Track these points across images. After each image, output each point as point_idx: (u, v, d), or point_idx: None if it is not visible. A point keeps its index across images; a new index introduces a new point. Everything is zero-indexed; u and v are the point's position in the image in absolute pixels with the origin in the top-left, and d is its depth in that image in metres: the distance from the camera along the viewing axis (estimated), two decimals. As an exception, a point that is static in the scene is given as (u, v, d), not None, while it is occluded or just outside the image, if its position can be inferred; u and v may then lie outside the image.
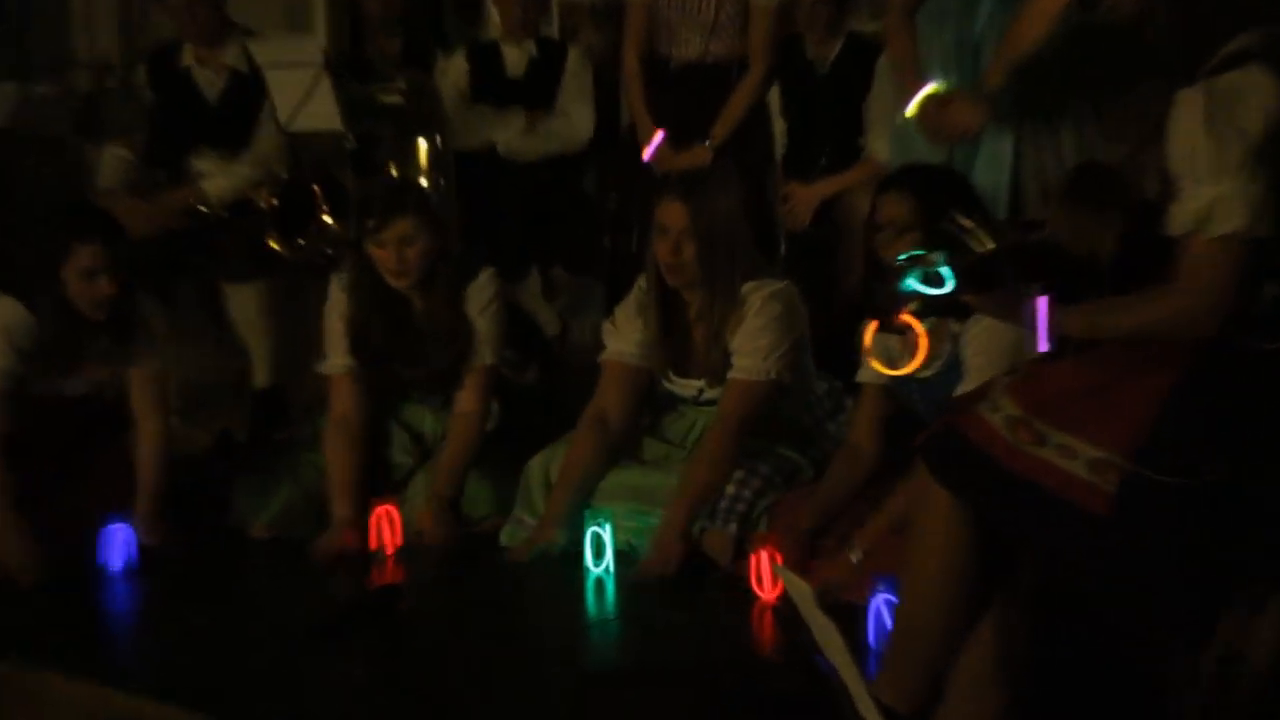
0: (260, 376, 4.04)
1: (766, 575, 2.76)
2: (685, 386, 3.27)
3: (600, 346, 3.36)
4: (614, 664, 2.56)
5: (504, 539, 3.20)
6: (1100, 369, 1.92)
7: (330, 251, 3.76)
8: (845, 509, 2.87)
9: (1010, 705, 2.03)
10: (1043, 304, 1.93)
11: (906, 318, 1.94)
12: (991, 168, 2.99)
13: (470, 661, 2.54)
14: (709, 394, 3.23)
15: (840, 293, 3.59)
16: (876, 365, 2.10)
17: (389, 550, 3.14)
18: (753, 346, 3.10)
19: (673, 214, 3.10)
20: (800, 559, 2.76)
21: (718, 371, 3.16)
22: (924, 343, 2.01)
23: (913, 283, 1.93)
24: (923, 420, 2.79)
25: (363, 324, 3.36)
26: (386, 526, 3.15)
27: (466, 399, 3.37)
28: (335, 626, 2.65)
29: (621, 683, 2.42)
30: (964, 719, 2.03)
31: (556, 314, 4.34)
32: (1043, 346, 1.94)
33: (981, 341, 2.66)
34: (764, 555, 2.76)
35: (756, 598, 2.76)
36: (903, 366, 2.15)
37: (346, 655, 2.57)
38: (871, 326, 2.02)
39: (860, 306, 2.95)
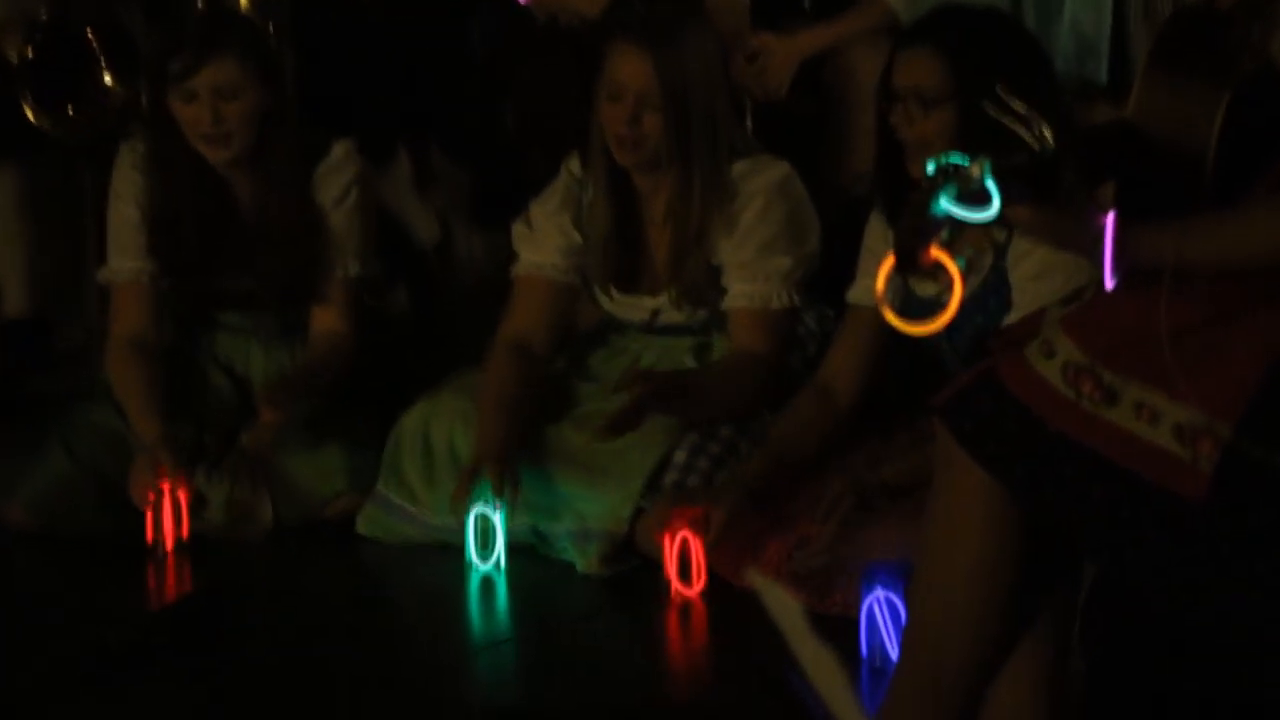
0: (11, 301, 4.00)
1: (697, 561, 2.80)
2: (633, 307, 3.25)
3: (497, 260, 3.33)
4: (509, 704, 2.55)
5: (362, 526, 3.19)
6: (1193, 299, 1.91)
7: (112, 124, 3.69)
8: (800, 476, 2.90)
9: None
10: (1109, 223, 1.91)
11: (936, 253, 1.92)
12: (1084, 13, 2.98)
13: (316, 703, 2.52)
14: (669, 317, 3.22)
15: (835, 188, 3.59)
16: (891, 318, 2.10)
17: (168, 544, 3.09)
18: (762, 266, 3.10)
19: (630, 68, 3.06)
20: (738, 543, 2.78)
21: (692, 286, 3.15)
22: (957, 288, 2.01)
23: (946, 204, 1.91)
24: (947, 364, 2.80)
25: (164, 214, 3.30)
26: (168, 509, 3.09)
27: (328, 316, 3.33)
28: (122, 656, 2.61)
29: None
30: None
31: (434, 216, 4.33)
32: (1109, 282, 1.93)
33: (1042, 254, 2.66)
34: (683, 536, 2.79)
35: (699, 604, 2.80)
36: (925, 317, 2.13)
37: (138, 697, 2.54)
38: (887, 264, 2.01)
39: (864, 207, 2.98)
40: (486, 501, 2.99)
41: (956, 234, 1.96)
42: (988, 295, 2.77)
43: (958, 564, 1.99)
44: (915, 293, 2.82)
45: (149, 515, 3.10)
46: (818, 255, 3.18)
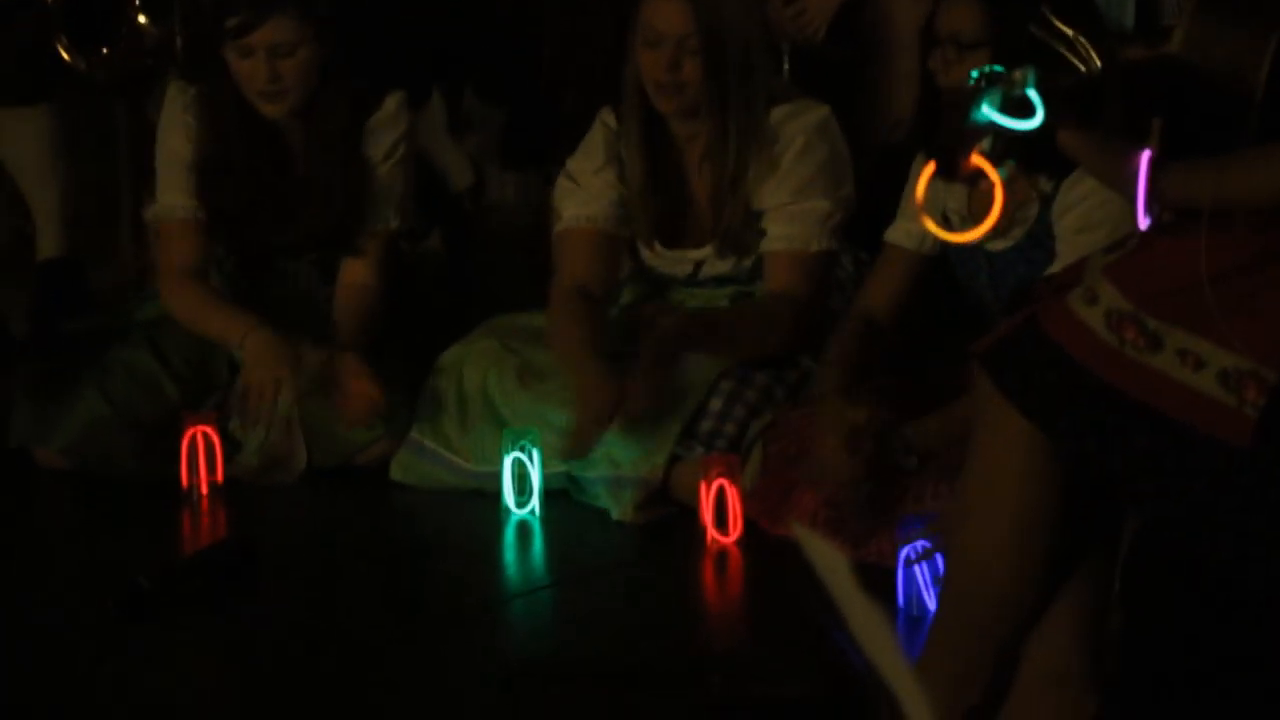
0: (47, 242, 3.97)
1: (733, 509, 2.78)
2: (676, 261, 3.23)
3: (531, 203, 3.30)
4: (543, 651, 2.54)
5: (396, 472, 3.19)
6: (1235, 244, 1.90)
7: (146, 63, 3.67)
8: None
9: (1101, 716, 2.02)
10: (1144, 161, 1.89)
11: (977, 160, 1.90)
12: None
13: (350, 649, 2.51)
14: (713, 268, 3.20)
15: (873, 135, 3.55)
16: (930, 225, 2.07)
17: (202, 488, 3.10)
18: (800, 208, 3.08)
19: (669, 14, 3.05)
20: (774, 491, 2.76)
21: (733, 236, 3.13)
22: (999, 196, 1.98)
23: (988, 111, 1.89)
24: (989, 314, 2.76)
25: (214, 163, 3.28)
26: (202, 453, 3.09)
27: (358, 268, 3.31)
28: (156, 599, 2.60)
29: (555, 679, 2.40)
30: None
31: (468, 159, 4.31)
32: (1141, 222, 1.91)
33: (1087, 207, 2.62)
34: (719, 484, 2.78)
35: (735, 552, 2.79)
36: (966, 229, 2.12)
37: (173, 640, 2.55)
38: (927, 171, 1.98)
39: (903, 153, 2.95)
40: (522, 448, 2.98)
41: (998, 146, 1.93)
42: (1032, 247, 2.72)
43: (998, 515, 1.98)
44: (963, 234, 2.79)
45: (183, 459, 3.10)
46: (854, 199, 3.15)
